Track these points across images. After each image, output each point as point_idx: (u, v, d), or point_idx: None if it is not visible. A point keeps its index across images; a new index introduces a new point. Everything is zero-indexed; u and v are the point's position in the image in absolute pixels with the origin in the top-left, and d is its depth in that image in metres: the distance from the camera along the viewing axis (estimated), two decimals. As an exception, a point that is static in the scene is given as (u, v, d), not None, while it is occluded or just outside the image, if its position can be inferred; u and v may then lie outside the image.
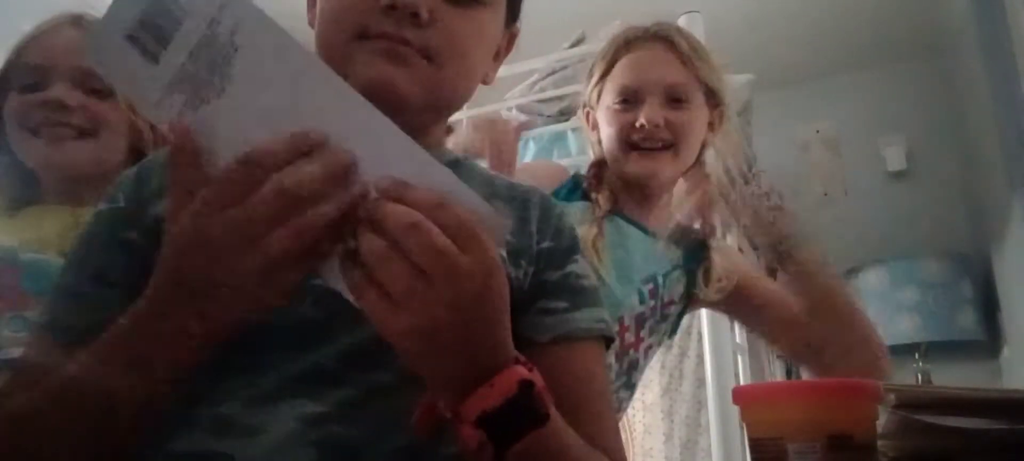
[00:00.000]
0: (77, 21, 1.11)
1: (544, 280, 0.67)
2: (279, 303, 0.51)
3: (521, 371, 0.49)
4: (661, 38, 1.19)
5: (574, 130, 1.97)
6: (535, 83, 2.18)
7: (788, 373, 3.12)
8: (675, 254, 1.21)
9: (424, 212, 0.46)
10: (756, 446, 0.56)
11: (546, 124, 2.10)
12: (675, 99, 1.16)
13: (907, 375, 2.78)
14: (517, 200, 0.71)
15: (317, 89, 0.50)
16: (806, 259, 1.19)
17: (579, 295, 0.67)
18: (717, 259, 1.21)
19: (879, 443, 0.60)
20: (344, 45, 0.63)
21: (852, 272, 2.92)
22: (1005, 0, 2.09)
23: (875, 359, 1.17)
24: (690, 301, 1.25)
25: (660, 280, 1.18)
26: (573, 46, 2.15)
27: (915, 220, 3.09)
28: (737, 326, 2.16)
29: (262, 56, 0.49)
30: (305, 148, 0.48)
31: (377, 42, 0.62)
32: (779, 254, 1.19)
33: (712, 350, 1.66)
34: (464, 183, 0.50)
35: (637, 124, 1.14)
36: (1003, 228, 2.48)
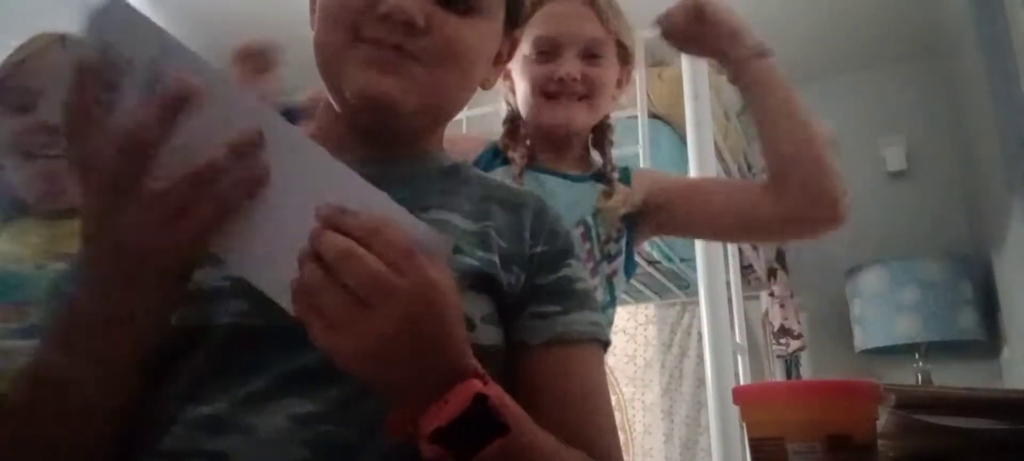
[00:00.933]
0: (62, 41, 1.11)
1: (537, 284, 0.67)
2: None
3: (476, 384, 0.49)
4: None
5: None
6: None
7: (788, 373, 3.12)
8: (598, 191, 1.21)
9: (359, 238, 0.47)
10: (756, 446, 0.56)
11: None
12: (592, 54, 1.18)
13: (907, 375, 2.78)
14: (511, 205, 0.71)
15: (251, 122, 0.51)
16: (767, 67, 1.17)
17: (572, 298, 0.67)
18: (621, 187, 1.20)
19: (879, 443, 0.59)
20: (338, 50, 0.63)
21: (852, 272, 2.92)
22: (1005, 0, 2.09)
23: (830, 189, 1.14)
24: (636, 230, 1.23)
25: (590, 221, 1.17)
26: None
27: (915, 220, 3.09)
28: (737, 326, 2.16)
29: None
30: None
31: (370, 48, 0.62)
32: (739, 60, 1.16)
33: (712, 350, 1.66)
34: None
35: (555, 77, 1.16)
36: (1003, 228, 2.48)
